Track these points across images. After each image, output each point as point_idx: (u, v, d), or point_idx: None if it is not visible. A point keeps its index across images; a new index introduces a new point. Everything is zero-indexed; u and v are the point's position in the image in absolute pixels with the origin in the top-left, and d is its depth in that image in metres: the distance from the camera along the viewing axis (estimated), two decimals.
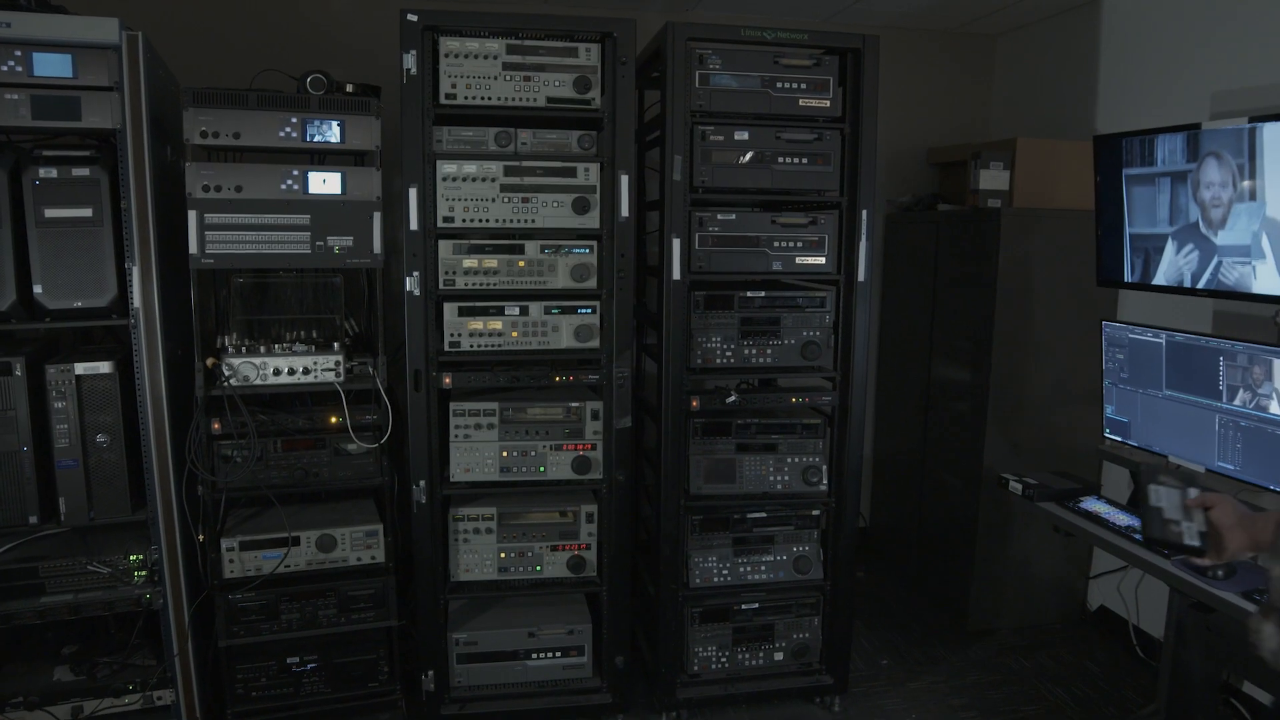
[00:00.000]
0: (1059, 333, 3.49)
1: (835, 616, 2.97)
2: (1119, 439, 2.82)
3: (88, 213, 2.36)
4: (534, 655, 2.85)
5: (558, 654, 2.86)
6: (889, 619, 3.77)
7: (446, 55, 2.51)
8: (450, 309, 2.62)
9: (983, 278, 3.47)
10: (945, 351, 3.79)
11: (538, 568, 2.81)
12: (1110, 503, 2.79)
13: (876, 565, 4.30)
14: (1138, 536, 2.49)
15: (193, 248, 2.45)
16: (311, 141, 2.49)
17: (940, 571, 3.87)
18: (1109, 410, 2.84)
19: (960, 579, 3.69)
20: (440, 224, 2.57)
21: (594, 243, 2.68)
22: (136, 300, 2.40)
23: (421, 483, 2.64)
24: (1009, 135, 3.94)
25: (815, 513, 2.96)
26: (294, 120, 2.48)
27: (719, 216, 2.72)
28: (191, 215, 2.44)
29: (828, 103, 2.71)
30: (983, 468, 3.52)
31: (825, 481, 2.91)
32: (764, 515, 2.93)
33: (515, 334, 2.65)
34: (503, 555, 2.78)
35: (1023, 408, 3.52)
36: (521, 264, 2.65)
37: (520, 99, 2.55)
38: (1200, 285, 2.54)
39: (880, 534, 4.43)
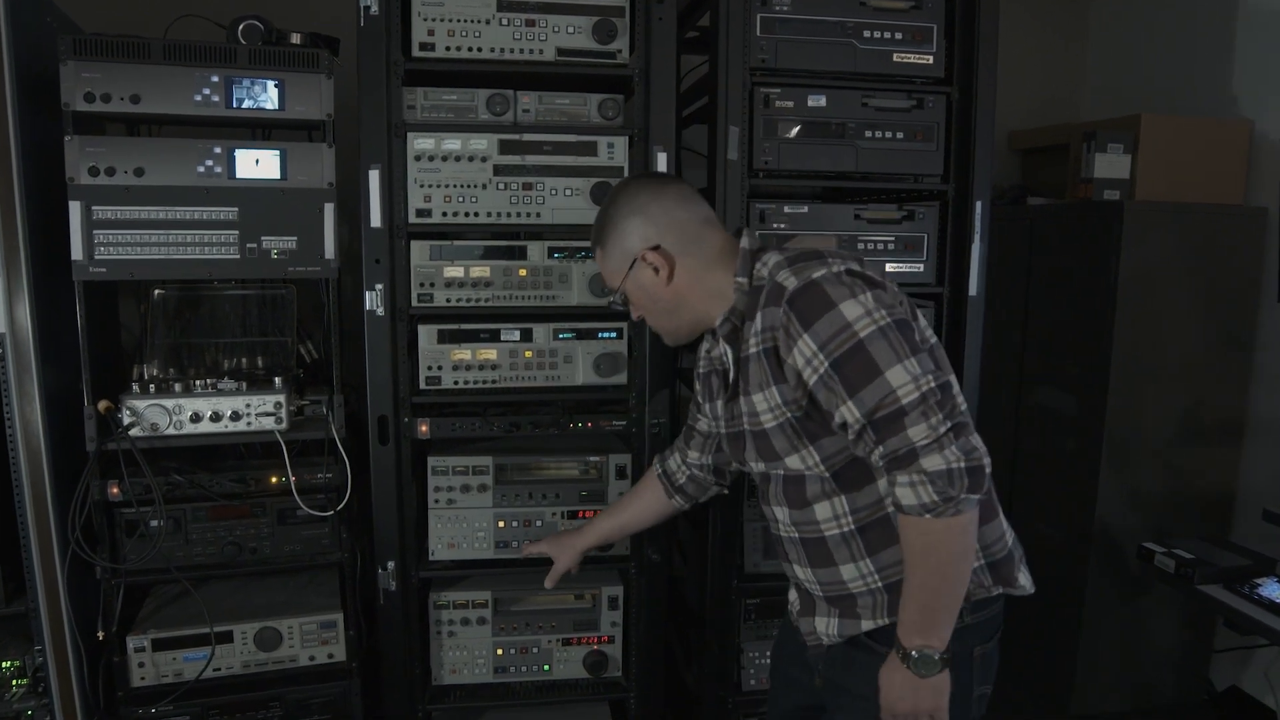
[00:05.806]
0: (1190, 355, 2.85)
1: None
2: None
3: None
4: None
5: None
6: None
7: None
8: (427, 333, 2.02)
9: (1098, 287, 2.82)
10: (1043, 376, 3.14)
11: (545, 667, 2.20)
12: None
13: None
14: None
15: (76, 253, 1.83)
16: (239, 108, 1.86)
17: (1035, 642, 3.21)
18: None
19: (1062, 652, 3.04)
20: (413, 219, 1.96)
21: None
22: (1, 323, 1.80)
23: (390, 564, 2.01)
24: (1106, 115, 3.28)
25: None
26: (215, 79, 1.84)
27: (786, 210, 2.08)
28: (74, 208, 1.82)
29: (930, 59, 2.07)
30: (1094, 520, 2.87)
31: None
32: None
33: (516, 366, 2.07)
34: (500, 652, 2.18)
35: (1144, 447, 2.87)
36: (523, 273, 2.04)
37: (522, 50, 1.96)
38: None
39: None
